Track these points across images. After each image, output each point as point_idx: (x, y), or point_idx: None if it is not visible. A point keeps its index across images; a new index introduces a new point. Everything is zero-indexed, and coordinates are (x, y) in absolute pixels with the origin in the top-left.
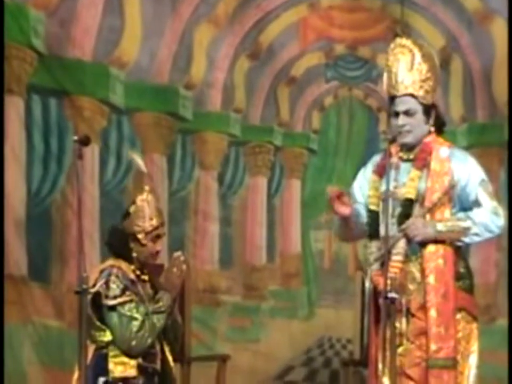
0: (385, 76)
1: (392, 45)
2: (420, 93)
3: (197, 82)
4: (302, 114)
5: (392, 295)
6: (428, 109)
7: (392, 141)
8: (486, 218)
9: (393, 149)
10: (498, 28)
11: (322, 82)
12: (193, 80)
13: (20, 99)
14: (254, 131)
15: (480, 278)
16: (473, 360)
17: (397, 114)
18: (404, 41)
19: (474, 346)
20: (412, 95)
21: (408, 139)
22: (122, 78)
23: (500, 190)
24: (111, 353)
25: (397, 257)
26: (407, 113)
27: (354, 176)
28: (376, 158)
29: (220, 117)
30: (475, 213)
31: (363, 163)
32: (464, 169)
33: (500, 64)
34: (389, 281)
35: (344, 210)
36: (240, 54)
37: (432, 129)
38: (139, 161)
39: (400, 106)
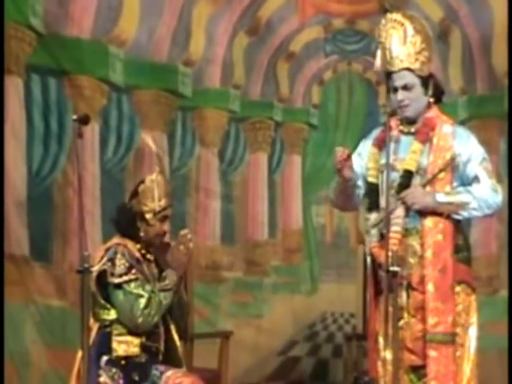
0: (378, 52)
1: (383, 21)
2: (416, 65)
3: (196, 59)
4: (301, 89)
5: (394, 268)
6: (426, 80)
7: (392, 114)
8: (486, 194)
9: (393, 122)
10: None
11: (322, 56)
12: (192, 57)
13: (19, 79)
14: (253, 107)
15: (481, 250)
16: (473, 332)
17: (395, 89)
18: (394, 15)
19: (474, 318)
20: (408, 69)
21: (408, 113)
22: (122, 56)
23: (500, 161)
24: (114, 332)
25: (395, 228)
26: (405, 87)
27: (354, 150)
28: (377, 131)
29: (219, 93)
30: (475, 188)
31: (363, 137)
32: (466, 147)
33: (499, 35)
34: (390, 254)
35: (348, 172)
36: (238, 30)
37: (432, 100)
38: (150, 142)
39: (398, 82)
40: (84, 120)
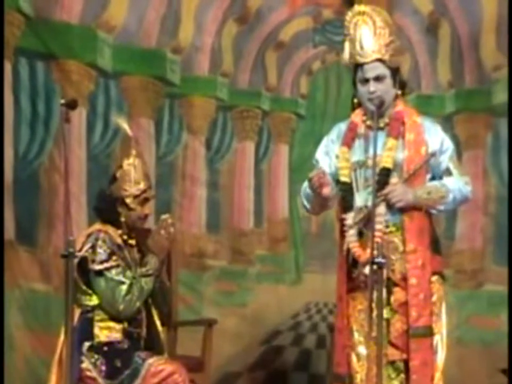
0: (346, 44)
1: (349, 13)
2: (386, 56)
3: (185, 47)
4: (290, 79)
5: (379, 260)
6: (394, 72)
7: (379, 106)
8: (458, 186)
9: (358, 117)
10: None
11: (310, 47)
12: (181, 44)
13: (7, 62)
14: (241, 95)
15: (466, 244)
16: (444, 319)
17: (366, 80)
18: (362, 7)
19: (443, 306)
20: (380, 60)
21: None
22: (110, 42)
23: (487, 155)
24: (96, 318)
25: (378, 226)
26: (377, 78)
27: None
28: (341, 126)
29: (207, 81)
30: (448, 181)
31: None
32: (436, 139)
33: (488, 29)
34: (375, 246)
35: (326, 191)
36: (228, 18)
37: (399, 92)
38: (124, 125)
39: (370, 73)
40: (72, 105)
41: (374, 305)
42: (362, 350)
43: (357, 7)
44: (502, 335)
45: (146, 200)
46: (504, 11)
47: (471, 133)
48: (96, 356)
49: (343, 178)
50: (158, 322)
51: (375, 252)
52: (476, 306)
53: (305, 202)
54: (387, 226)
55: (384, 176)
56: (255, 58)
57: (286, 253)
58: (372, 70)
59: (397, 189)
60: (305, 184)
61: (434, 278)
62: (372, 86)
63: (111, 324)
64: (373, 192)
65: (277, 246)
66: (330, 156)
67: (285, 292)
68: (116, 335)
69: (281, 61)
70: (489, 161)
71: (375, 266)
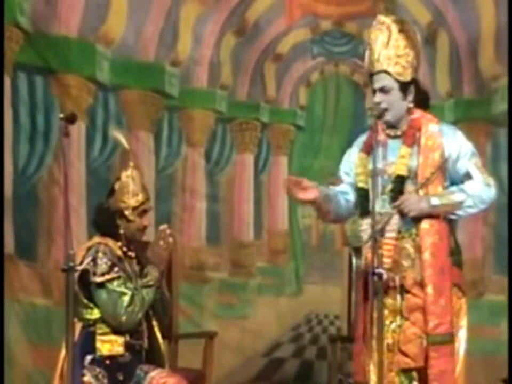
0: (366, 53)
1: (374, 23)
2: (396, 69)
3: (183, 59)
4: (288, 91)
5: (379, 270)
6: (405, 86)
7: (379, 117)
8: (479, 190)
9: (380, 126)
10: (484, 2)
11: (309, 58)
12: (179, 57)
13: (6, 77)
14: (240, 108)
15: (467, 253)
16: (462, 334)
17: (375, 91)
18: (383, 18)
19: (464, 321)
20: (386, 72)
21: (387, 117)
22: (109, 55)
23: (487, 164)
24: (98, 331)
25: (390, 234)
26: (383, 90)
27: (341, 152)
28: (362, 138)
29: (206, 93)
30: (468, 186)
31: (350, 139)
32: (454, 144)
33: (486, 39)
34: (377, 256)
35: (306, 195)
36: (226, 31)
37: (411, 105)
38: (121, 138)
39: (377, 84)
40: (71, 119)
41: (386, 312)
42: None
43: (379, 17)
44: (503, 344)
45: (144, 211)
46: (502, 21)
47: (471, 143)
48: (98, 369)
49: (360, 184)
50: (158, 334)
51: (376, 262)
52: (476, 316)
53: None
54: (399, 232)
55: (399, 183)
56: (253, 71)
57: (286, 264)
58: (378, 81)
59: (409, 198)
60: None
61: (453, 290)
62: (377, 97)
63: (113, 337)
64: (373, 200)
65: (277, 258)
66: (350, 163)
67: (286, 303)
68: (118, 349)
69: (280, 72)
70: (488, 171)
71: (375, 276)
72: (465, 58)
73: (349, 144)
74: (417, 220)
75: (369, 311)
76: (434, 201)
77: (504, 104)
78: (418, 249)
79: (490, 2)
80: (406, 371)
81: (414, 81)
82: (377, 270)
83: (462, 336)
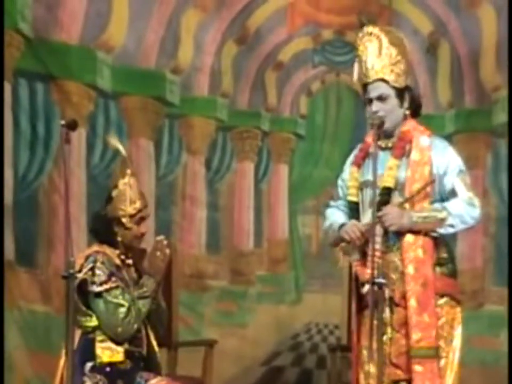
0: (355, 65)
1: (360, 34)
2: (391, 76)
3: (184, 67)
4: (289, 99)
5: (380, 280)
6: (401, 92)
7: (379, 126)
8: (462, 209)
9: (371, 137)
10: (486, 12)
11: (310, 67)
12: (180, 65)
13: (7, 83)
14: (241, 116)
15: (467, 264)
16: (456, 343)
17: (370, 101)
18: (370, 28)
19: (458, 330)
20: (383, 80)
21: (385, 125)
22: (109, 62)
23: (487, 175)
24: (98, 338)
25: (376, 246)
26: (380, 98)
27: (341, 161)
28: (356, 151)
29: (207, 101)
30: (451, 204)
31: (350, 148)
32: (443, 159)
33: (488, 49)
34: (375, 266)
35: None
36: (227, 39)
37: (408, 112)
38: (118, 145)
39: (373, 93)
40: (72, 126)
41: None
42: (371, 368)
43: (366, 28)
44: (502, 355)
45: (142, 219)
46: (503, 32)
47: (471, 153)
48: (98, 377)
49: (350, 198)
50: (154, 343)
51: (376, 272)
52: (476, 327)
53: (330, 238)
54: (387, 246)
55: (385, 195)
56: (254, 79)
57: (286, 273)
58: (375, 90)
59: (391, 212)
60: (333, 220)
61: (443, 300)
62: (375, 106)
63: (113, 345)
64: (373, 213)
65: (277, 266)
66: (343, 178)
67: (285, 312)
68: (118, 356)
69: (281, 81)
70: (489, 182)
71: (375, 287)
72: (467, 68)
73: (349, 153)
74: (400, 233)
75: (364, 322)
76: (415, 218)
77: (504, 115)
78: (403, 263)
79: (491, 13)
80: (397, 382)
81: (408, 88)
82: (377, 280)
83: (456, 345)
